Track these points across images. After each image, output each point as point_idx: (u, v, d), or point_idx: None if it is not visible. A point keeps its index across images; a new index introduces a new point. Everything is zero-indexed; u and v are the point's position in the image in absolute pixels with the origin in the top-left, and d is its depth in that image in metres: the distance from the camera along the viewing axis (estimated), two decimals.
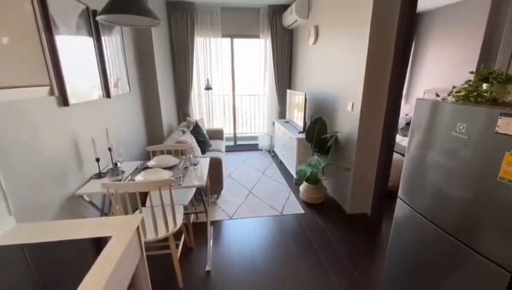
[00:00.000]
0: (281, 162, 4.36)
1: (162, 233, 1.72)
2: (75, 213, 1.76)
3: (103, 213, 2.03)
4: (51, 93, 1.04)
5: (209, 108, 4.78)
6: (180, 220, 1.85)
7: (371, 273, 2.00)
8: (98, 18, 1.59)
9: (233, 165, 4.35)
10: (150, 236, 1.70)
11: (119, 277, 1.01)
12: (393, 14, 2.20)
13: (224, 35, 4.45)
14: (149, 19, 1.69)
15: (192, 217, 2.59)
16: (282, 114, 4.84)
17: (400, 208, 1.36)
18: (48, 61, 1.02)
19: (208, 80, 4.39)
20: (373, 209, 2.68)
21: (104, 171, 2.01)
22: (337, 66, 2.91)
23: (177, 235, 2.11)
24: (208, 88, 4.37)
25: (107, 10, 1.49)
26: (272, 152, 4.96)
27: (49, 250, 1.01)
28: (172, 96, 4.29)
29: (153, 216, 1.67)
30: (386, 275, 1.50)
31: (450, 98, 1.15)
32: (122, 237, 1.09)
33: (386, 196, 2.61)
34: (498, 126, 0.84)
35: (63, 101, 1.64)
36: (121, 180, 1.87)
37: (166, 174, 1.93)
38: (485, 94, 1.06)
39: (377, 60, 2.32)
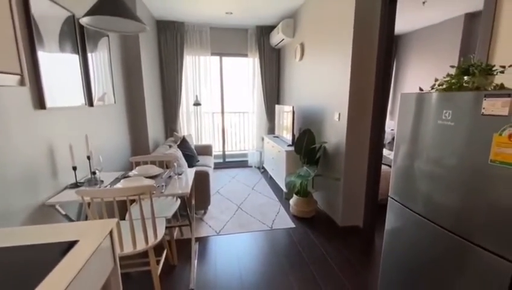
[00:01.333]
0: (270, 177, 4.28)
1: (140, 246, 1.58)
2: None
3: None
4: (21, 83, 0.97)
5: (197, 125, 4.73)
6: (161, 233, 1.72)
7: (365, 286, 1.88)
8: (81, 21, 1.58)
9: (221, 181, 4.23)
10: (128, 249, 1.56)
11: (83, 286, 0.88)
12: (373, 33, 2.31)
13: (213, 54, 4.55)
14: (134, 24, 1.69)
15: (175, 233, 2.43)
16: (271, 130, 4.85)
17: (392, 208, 1.31)
18: (19, 48, 0.97)
19: (196, 96, 4.40)
20: (365, 221, 2.61)
21: (82, 181, 1.88)
22: (322, 79, 2.98)
23: (158, 252, 1.96)
24: (197, 104, 4.36)
25: (91, 12, 1.48)
26: (261, 168, 4.89)
27: (5, 255, 0.89)
28: (160, 112, 4.24)
29: (131, 227, 1.54)
30: (382, 282, 1.40)
31: (433, 92, 1.15)
32: (90, 242, 0.98)
33: (377, 207, 2.55)
34: (484, 108, 0.83)
35: (40, 103, 1.56)
36: None
37: (148, 182, 1.82)
38: (467, 85, 1.07)
39: (361, 70, 2.39)
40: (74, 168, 1.79)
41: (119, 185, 1.75)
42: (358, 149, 2.53)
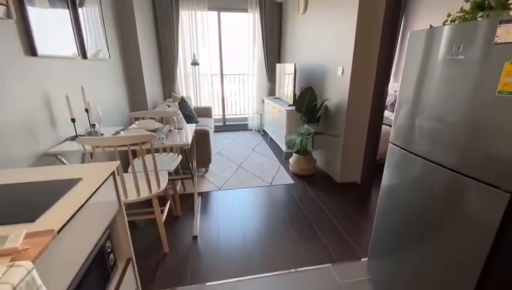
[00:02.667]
0: (271, 139, 4.29)
1: (144, 193, 1.63)
2: None
3: None
4: (8, 15, 0.91)
5: (196, 87, 4.61)
6: (164, 183, 1.76)
7: (361, 234, 1.99)
8: None
9: (222, 143, 4.25)
10: (132, 196, 1.61)
11: (89, 219, 0.92)
12: None
13: (210, 9, 4.26)
14: None
15: (178, 187, 2.50)
16: (271, 91, 4.75)
17: (392, 154, 1.31)
18: None
19: (194, 55, 4.22)
20: (362, 177, 2.66)
21: (81, 133, 1.88)
22: (327, 33, 2.83)
23: (162, 203, 2.03)
24: (195, 63, 4.20)
25: None
26: (261, 131, 4.88)
27: (8, 190, 0.91)
28: (157, 73, 4.11)
29: (134, 176, 1.58)
30: (377, 224, 1.47)
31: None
32: (94, 180, 1.00)
33: (375, 165, 2.59)
34: (497, 36, 0.78)
35: (30, 49, 1.49)
36: None
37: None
38: (481, 19, 1.01)
39: (367, 24, 2.26)
40: (73, 120, 1.77)
41: (122, 133, 1.75)
42: (360, 106, 2.49)
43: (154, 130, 1.99)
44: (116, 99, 2.75)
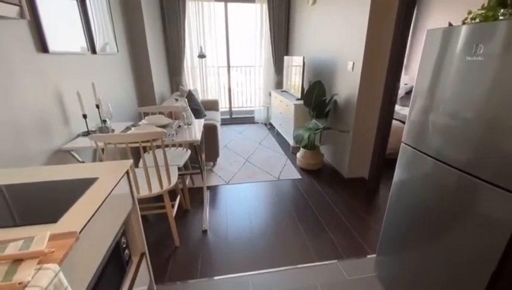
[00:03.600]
0: (277, 133, 4.29)
1: (156, 189, 1.66)
2: None
3: None
4: (22, 15, 0.92)
5: (203, 80, 4.60)
6: (175, 178, 1.79)
7: (368, 230, 2.00)
8: None
9: (229, 136, 4.26)
10: (144, 192, 1.64)
11: (107, 218, 0.95)
12: None
13: None
14: None
15: (187, 181, 2.54)
16: (279, 84, 4.70)
17: (404, 154, 1.30)
18: None
19: (201, 47, 4.19)
20: (371, 173, 2.65)
21: (93, 129, 1.90)
22: (337, 25, 2.76)
23: (172, 197, 2.06)
24: (202, 56, 4.18)
25: None
26: (268, 124, 4.87)
27: (29, 189, 0.93)
28: (164, 66, 4.10)
29: (145, 172, 1.60)
30: (386, 224, 1.48)
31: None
32: (110, 179, 1.02)
33: (384, 160, 2.57)
34: None
35: (42, 46, 1.50)
36: None
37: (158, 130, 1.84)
38: (504, 18, 0.97)
39: (380, 18, 2.19)
40: (84, 116, 1.80)
41: (132, 130, 1.77)
42: (370, 102, 2.46)
43: (163, 126, 2.00)
44: (124, 94, 2.77)
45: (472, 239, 0.97)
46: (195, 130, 1.99)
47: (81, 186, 0.95)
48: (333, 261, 1.71)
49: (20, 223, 0.75)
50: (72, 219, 0.77)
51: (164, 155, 1.62)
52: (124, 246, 1.16)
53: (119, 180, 1.04)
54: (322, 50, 3.16)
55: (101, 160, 1.78)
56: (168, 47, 4.20)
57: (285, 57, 4.04)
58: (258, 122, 5.10)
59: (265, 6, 4.28)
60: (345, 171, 2.77)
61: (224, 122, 5.02)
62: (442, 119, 1.06)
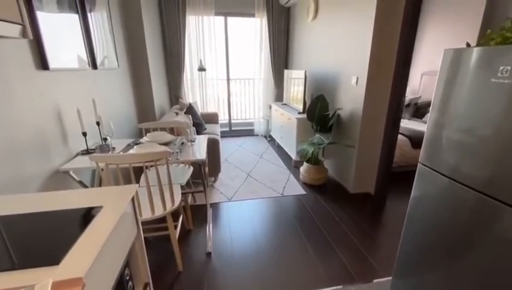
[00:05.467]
0: (278, 146, 4.24)
1: (159, 211, 1.58)
2: None
3: None
4: (24, 34, 0.86)
5: (202, 93, 4.57)
6: (178, 199, 1.71)
7: (379, 249, 1.93)
8: None
9: (229, 150, 4.20)
10: (146, 215, 1.55)
11: (112, 253, 0.87)
12: None
13: (217, 13, 4.22)
14: None
15: (190, 199, 2.45)
16: (278, 97, 4.69)
17: (421, 175, 1.26)
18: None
19: (200, 60, 4.18)
20: (377, 188, 2.61)
21: (93, 147, 1.83)
22: (339, 40, 2.77)
23: (175, 217, 1.97)
24: (201, 69, 4.16)
25: None
26: (268, 137, 4.83)
27: (28, 222, 0.85)
28: (163, 78, 4.07)
29: (148, 194, 1.52)
30: (403, 247, 1.41)
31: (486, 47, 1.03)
32: (115, 207, 0.94)
33: (390, 175, 2.53)
34: None
35: (42, 63, 1.44)
36: None
37: (161, 149, 1.77)
38: None
39: (384, 33, 2.20)
40: (84, 134, 1.72)
41: (132, 152, 1.70)
42: (375, 116, 2.44)
43: (166, 143, 1.94)
44: (124, 109, 2.70)
45: (499, 261, 0.91)
46: (200, 147, 1.93)
47: (84, 217, 0.87)
48: (347, 286, 1.63)
49: (19, 266, 0.66)
50: (76, 259, 0.69)
51: (168, 176, 1.55)
52: (128, 278, 1.07)
53: (125, 209, 0.96)
54: (324, 64, 3.16)
55: (101, 180, 1.70)
56: (168, 60, 4.18)
57: (286, 71, 4.05)
58: (257, 135, 5.06)
59: (264, 20, 4.32)
60: (350, 186, 2.72)
61: (224, 134, 4.97)
62: (463, 139, 1.02)
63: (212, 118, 4.24)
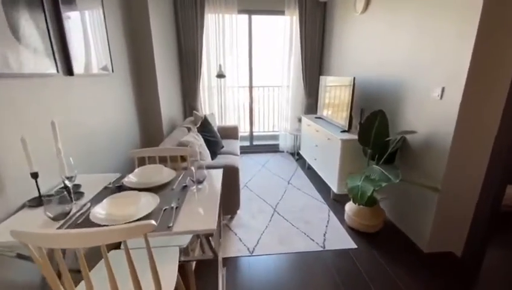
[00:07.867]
0: (309, 168, 3.49)
1: None
2: None
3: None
4: None
5: (221, 102, 3.95)
6: (172, 282, 1.04)
7: None
8: None
9: (250, 170, 3.51)
10: None
11: None
12: None
13: (240, 11, 3.61)
14: None
15: (196, 251, 1.78)
16: (310, 108, 3.96)
17: None
18: None
19: (220, 65, 3.57)
20: (467, 248, 1.78)
21: (52, 192, 1.21)
22: (408, 37, 2.01)
23: None
24: (221, 75, 3.55)
25: None
26: (296, 155, 4.08)
27: None
28: (177, 87, 3.50)
29: (112, 284, 0.86)
30: None
31: None
32: None
33: (492, 225, 1.70)
34: None
35: None
36: (68, 213, 1.07)
37: (146, 204, 1.11)
38: None
39: (497, 23, 1.42)
40: (34, 175, 1.11)
41: (99, 211, 1.06)
42: (473, 145, 1.63)
43: (160, 187, 1.28)
44: (120, 127, 2.11)
45: None
46: (211, 197, 1.25)
47: None
48: None
49: None
50: None
51: (149, 254, 0.88)
52: None
53: None
54: (379, 69, 2.40)
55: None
56: (183, 66, 3.62)
57: (322, 77, 3.31)
58: (283, 151, 4.34)
59: (295, 18, 3.64)
60: (424, 242, 1.91)
61: (244, 150, 4.29)
62: None
63: (231, 133, 3.59)
